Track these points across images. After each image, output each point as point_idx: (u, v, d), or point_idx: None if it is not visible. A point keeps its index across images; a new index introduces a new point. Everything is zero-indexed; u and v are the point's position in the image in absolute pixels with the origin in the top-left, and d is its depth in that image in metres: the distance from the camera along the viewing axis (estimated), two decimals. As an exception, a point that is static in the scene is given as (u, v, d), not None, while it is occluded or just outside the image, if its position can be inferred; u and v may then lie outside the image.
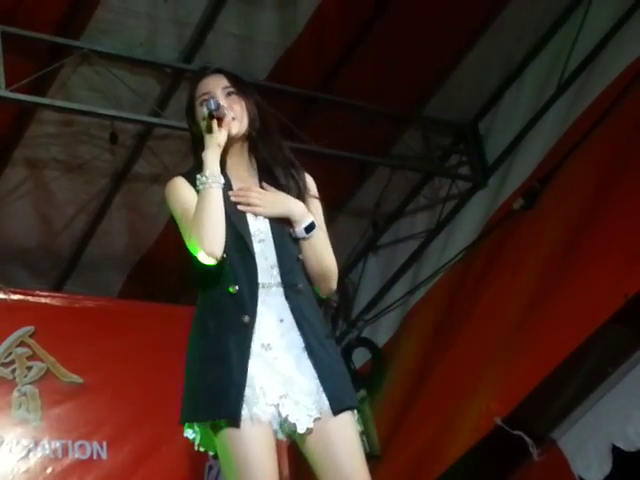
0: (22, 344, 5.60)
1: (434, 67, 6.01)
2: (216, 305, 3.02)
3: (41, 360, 5.61)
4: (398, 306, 6.66)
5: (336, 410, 2.94)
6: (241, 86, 3.26)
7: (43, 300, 5.80)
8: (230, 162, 3.17)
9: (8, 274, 6.07)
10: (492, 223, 6.17)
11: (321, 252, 3.15)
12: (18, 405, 5.47)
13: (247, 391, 2.89)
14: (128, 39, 5.31)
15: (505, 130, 6.31)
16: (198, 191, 3.03)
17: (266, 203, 3.11)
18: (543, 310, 5.35)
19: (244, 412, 2.87)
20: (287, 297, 3.03)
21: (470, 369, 5.63)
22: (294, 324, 3.01)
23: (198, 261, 3.01)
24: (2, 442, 5.35)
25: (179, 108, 5.52)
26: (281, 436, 2.97)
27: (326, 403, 2.94)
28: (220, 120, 3.08)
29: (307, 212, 3.13)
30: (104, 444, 5.58)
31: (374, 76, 5.89)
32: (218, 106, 3.07)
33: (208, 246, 2.96)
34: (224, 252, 2.99)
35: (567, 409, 5.28)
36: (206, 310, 3.06)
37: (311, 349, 2.99)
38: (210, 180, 3.02)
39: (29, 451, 5.38)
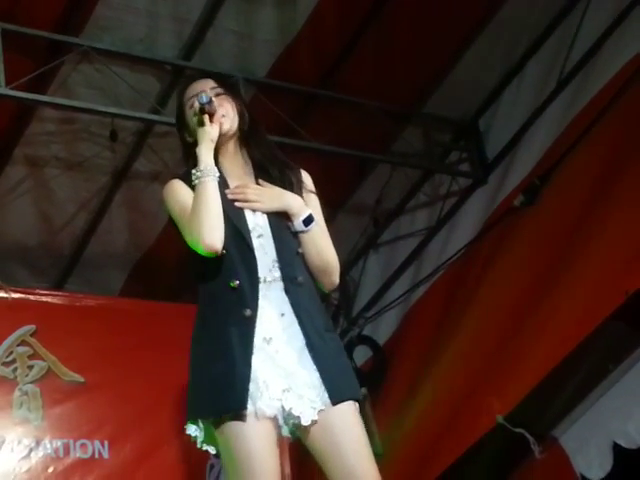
0: (23, 343, 5.59)
1: (434, 64, 6.01)
2: (217, 300, 3.05)
3: (42, 359, 5.59)
4: (399, 304, 6.66)
5: (336, 402, 2.96)
6: (229, 87, 3.33)
7: (44, 299, 5.79)
8: (225, 162, 3.22)
9: (9, 272, 6.05)
10: (492, 220, 6.17)
11: (321, 245, 3.17)
12: (19, 404, 5.46)
13: (251, 386, 2.91)
14: (128, 36, 5.30)
15: (505, 127, 6.31)
16: (194, 187, 3.06)
17: (263, 198, 3.14)
18: (544, 307, 5.34)
19: (249, 407, 2.89)
20: (287, 291, 3.06)
21: (471, 367, 5.62)
22: (295, 318, 3.03)
23: (198, 257, 3.03)
24: (3, 442, 5.34)
25: (179, 105, 5.53)
26: (286, 432, 2.98)
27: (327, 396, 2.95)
28: (211, 116, 3.14)
29: (305, 206, 3.17)
30: (105, 443, 5.57)
31: (374, 73, 5.89)
32: (210, 100, 3.13)
33: (208, 237, 2.99)
34: (224, 248, 3.01)
35: (568, 407, 5.28)
36: (208, 306, 3.08)
37: (311, 343, 3.01)
38: (205, 173, 3.07)
39: (30, 450, 5.37)
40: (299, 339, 3.02)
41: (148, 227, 6.22)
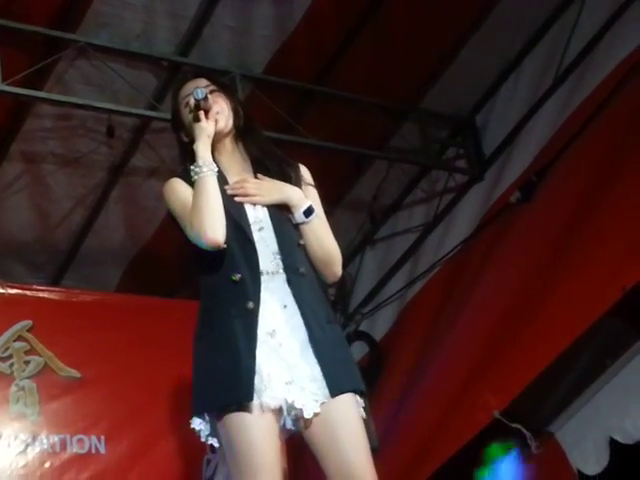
0: (20, 338, 5.59)
1: (431, 60, 6.01)
2: (220, 294, 3.06)
3: (39, 354, 5.60)
4: (395, 299, 6.66)
5: (335, 394, 2.97)
6: (222, 85, 3.35)
7: (41, 294, 5.79)
8: (223, 159, 3.24)
9: (5, 268, 6.07)
10: (489, 216, 6.17)
11: (322, 236, 3.19)
12: (16, 400, 5.46)
13: (255, 378, 2.92)
14: (124, 32, 5.30)
15: (502, 123, 6.31)
16: (193, 183, 3.07)
17: (263, 191, 3.16)
18: (540, 303, 5.34)
19: (255, 402, 2.90)
20: (289, 282, 3.07)
21: (468, 362, 5.62)
22: (297, 310, 3.04)
23: (200, 252, 3.05)
24: (0, 437, 5.35)
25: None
26: (290, 424, 2.99)
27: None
28: (207, 112, 3.16)
29: (304, 197, 3.19)
30: (102, 438, 5.57)
31: (371, 69, 5.90)
32: (205, 96, 3.14)
33: (210, 232, 3.01)
34: (225, 243, 3.03)
35: (565, 402, 5.27)
36: (210, 300, 3.10)
37: (312, 335, 3.03)
38: (204, 169, 3.08)
39: (27, 446, 5.37)
40: (301, 331, 3.03)
41: (145, 223, 6.23)
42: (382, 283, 6.83)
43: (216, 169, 3.11)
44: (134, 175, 5.98)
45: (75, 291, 6.00)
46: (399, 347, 6.39)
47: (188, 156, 3.18)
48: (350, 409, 3.01)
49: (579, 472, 5.18)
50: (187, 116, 3.21)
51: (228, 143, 3.26)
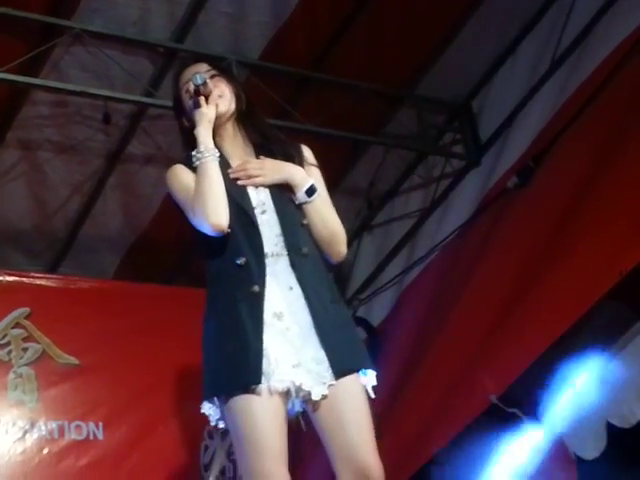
0: (17, 325, 5.60)
1: (427, 45, 5.99)
2: (225, 279, 3.09)
3: (37, 342, 5.61)
4: (393, 285, 6.66)
5: (339, 375, 2.99)
6: (223, 69, 3.37)
7: (38, 282, 5.80)
8: (225, 144, 3.25)
9: (2, 256, 6.06)
10: (486, 201, 6.16)
11: (326, 215, 3.20)
12: (14, 387, 5.48)
13: (263, 362, 2.94)
14: (120, 18, 5.28)
15: (499, 108, 6.29)
16: (195, 168, 3.08)
17: (265, 171, 3.17)
18: (538, 288, 5.34)
19: (262, 386, 2.92)
20: (293, 265, 3.08)
21: (465, 347, 5.63)
22: (301, 292, 3.06)
23: (204, 238, 3.06)
24: (-2, 424, 5.38)
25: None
26: (298, 406, 3.03)
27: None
28: (207, 97, 3.17)
29: (306, 176, 3.20)
30: (100, 425, 5.60)
31: (367, 55, 5.88)
32: (204, 81, 3.13)
33: (214, 216, 3.02)
34: (229, 227, 3.04)
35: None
36: (216, 285, 3.13)
37: (315, 317, 3.04)
38: (206, 154, 3.10)
39: (25, 432, 5.40)
40: (306, 313, 3.05)
41: (142, 210, 6.22)
42: (379, 269, 6.83)
43: (218, 154, 3.12)
44: (131, 162, 5.97)
45: (73, 278, 6.01)
46: (397, 333, 6.39)
47: (190, 142, 3.18)
48: (355, 391, 3.03)
49: (577, 457, 5.20)
50: (188, 102, 3.22)
51: (230, 127, 3.26)
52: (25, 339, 5.59)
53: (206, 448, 5.89)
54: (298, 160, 3.25)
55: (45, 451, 5.41)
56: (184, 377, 5.86)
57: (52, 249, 6.28)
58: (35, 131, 5.60)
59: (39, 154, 5.74)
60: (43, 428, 5.44)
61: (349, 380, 3.01)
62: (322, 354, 3.00)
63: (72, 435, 5.51)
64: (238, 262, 3.05)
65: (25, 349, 5.58)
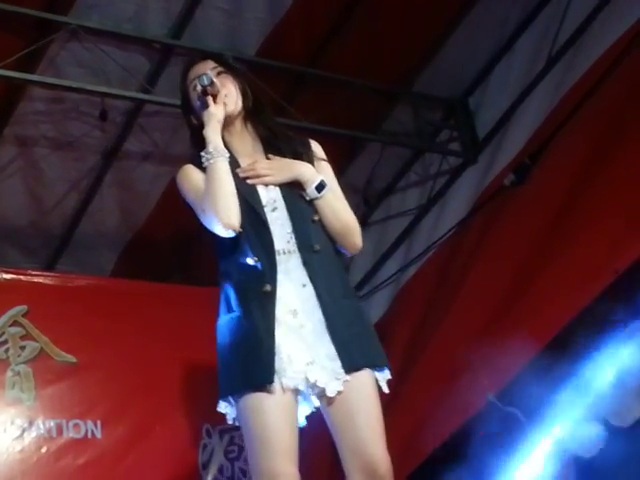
0: (15, 324, 5.57)
1: (424, 42, 5.99)
2: (237, 279, 3.09)
3: (34, 340, 5.58)
4: (390, 283, 6.66)
5: (349, 371, 2.98)
6: (230, 66, 3.32)
7: (36, 279, 5.77)
8: (233, 141, 3.24)
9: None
10: (483, 199, 6.17)
11: (337, 208, 3.19)
12: (12, 385, 5.45)
13: (275, 360, 2.94)
14: (116, 14, 5.27)
15: (495, 105, 6.30)
16: (205, 168, 3.06)
17: (274, 171, 3.16)
18: (534, 286, 5.36)
19: (275, 383, 2.92)
20: (305, 262, 3.07)
21: (462, 345, 5.62)
22: (313, 289, 3.05)
23: (216, 238, 3.07)
24: (-4, 422, 5.36)
25: (169, 84, 5.50)
26: (311, 403, 3.03)
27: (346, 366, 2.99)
28: (214, 97, 3.15)
29: (315, 172, 3.18)
30: (98, 423, 5.57)
31: (363, 51, 5.88)
32: (211, 81, 3.13)
33: (225, 217, 3.02)
34: (240, 227, 3.04)
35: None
36: (228, 285, 3.12)
37: (326, 313, 3.04)
38: (215, 154, 3.09)
39: (23, 431, 5.36)
40: (318, 310, 3.04)
41: (139, 207, 6.21)
42: (377, 266, 6.83)
43: (227, 154, 3.12)
44: (128, 159, 5.95)
45: (70, 276, 5.98)
46: (394, 331, 6.38)
47: (198, 140, 3.18)
48: (367, 387, 3.02)
49: (575, 455, 5.20)
50: (196, 100, 3.21)
51: (238, 125, 3.25)
52: (23, 337, 5.56)
53: (204, 447, 5.88)
54: (307, 156, 3.24)
55: (43, 450, 5.38)
56: (183, 375, 5.86)
57: (49, 246, 6.26)
58: (31, 127, 5.58)
59: (35, 150, 5.72)
60: (41, 426, 5.41)
61: (361, 375, 3.01)
62: (334, 350, 3.00)
63: (70, 433, 5.48)
64: (249, 261, 3.05)
65: (23, 347, 5.55)
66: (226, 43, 5.57)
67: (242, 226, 3.06)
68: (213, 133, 3.12)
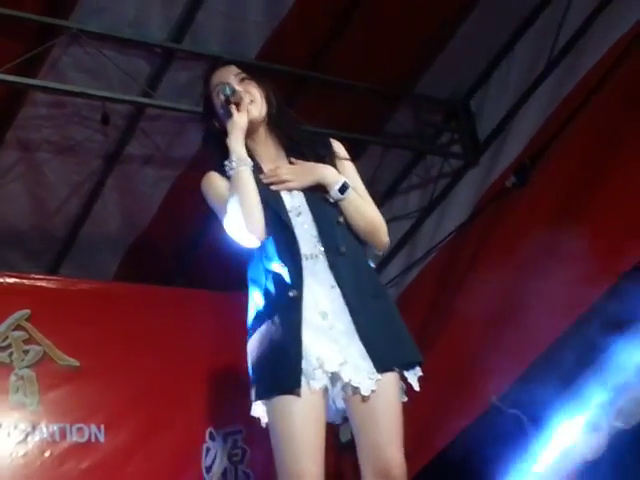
0: (18, 327, 5.57)
1: (424, 45, 5.98)
2: (264, 285, 3.11)
3: (38, 344, 5.58)
4: (393, 285, 6.66)
5: (381, 371, 3.02)
6: (253, 72, 3.33)
7: (39, 283, 5.76)
8: (257, 146, 3.25)
9: (2, 257, 6.04)
10: (484, 201, 6.18)
11: (363, 208, 3.22)
12: (15, 389, 5.45)
13: (303, 363, 2.97)
14: (117, 19, 5.26)
15: (496, 107, 6.31)
16: (229, 177, 3.10)
17: (297, 176, 3.18)
18: (537, 288, 5.36)
19: (302, 386, 2.95)
20: (331, 265, 3.09)
21: (465, 348, 5.64)
22: (340, 291, 3.07)
23: (241, 246, 3.08)
24: (0, 426, 5.34)
25: (170, 88, 5.52)
26: (341, 403, 3.06)
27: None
28: (238, 105, 3.15)
29: (337, 174, 3.20)
30: (102, 427, 5.58)
31: (364, 54, 5.87)
32: (233, 91, 3.14)
33: (250, 228, 3.06)
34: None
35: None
36: (255, 290, 3.15)
37: (354, 315, 3.06)
38: (238, 163, 3.10)
39: (27, 435, 5.37)
40: (347, 312, 3.06)
41: (141, 211, 6.22)
42: (379, 269, 6.77)
43: (251, 163, 3.12)
44: (129, 163, 5.95)
45: (73, 280, 5.98)
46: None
47: (219, 145, 3.19)
48: (391, 390, 3.05)
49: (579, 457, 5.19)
50: (220, 107, 3.20)
51: (261, 130, 3.25)
52: (26, 341, 5.56)
53: (208, 450, 5.88)
54: (329, 158, 3.25)
55: (47, 454, 5.38)
56: (186, 378, 5.86)
57: (52, 250, 6.27)
58: (33, 132, 5.58)
59: (38, 155, 5.72)
60: (45, 431, 5.42)
61: (387, 377, 3.03)
62: (365, 351, 3.02)
63: (74, 438, 5.48)
64: (275, 267, 3.08)
65: (26, 351, 5.55)
66: (227, 47, 5.58)
67: (268, 233, 3.08)
68: (236, 142, 3.13)
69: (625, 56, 5.33)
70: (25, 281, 5.73)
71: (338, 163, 3.26)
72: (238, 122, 3.14)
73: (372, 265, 3.26)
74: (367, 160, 6.52)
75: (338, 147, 3.34)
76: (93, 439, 5.54)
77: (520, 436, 5.29)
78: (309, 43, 5.81)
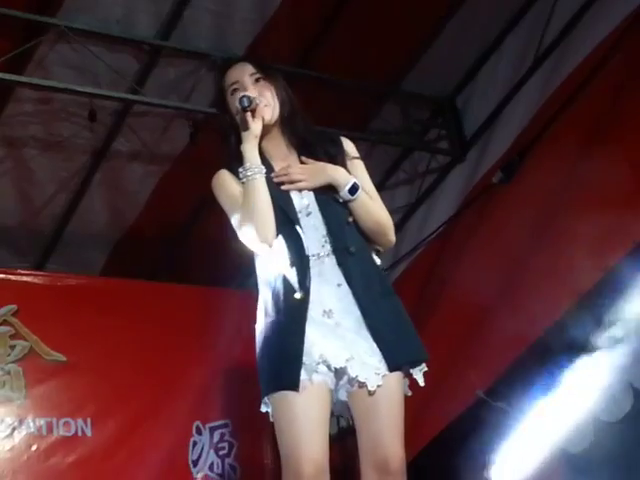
0: (5, 323, 5.61)
1: (411, 41, 6.00)
2: (271, 285, 3.13)
3: (24, 339, 5.61)
4: (380, 280, 6.66)
5: (392, 369, 3.04)
6: (267, 71, 3.33)
7: (25, 279, 5.80)
8: (268, 145, 3.26)
9: (-11, 253, 6.07)
10: (471, 197, 6.19)
11: (372, 209, 3.23)
12: (2, 384, 5.48)
13: (306, 359, 3.00)
14: (105, 16, 5.27)
15: (483, 104, 6.32)
16: (242, 183, 3.12)
17: (307, 176, 3.19)
18: (522, 283, 5.37)
19: (304, 379, 2.98)
20: (340, 263, 3.11)
21: (451, 342, 5.65)
22: (349, 289, 3.09)
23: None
24: (-13, 421, 5.38)
25: (157, 85, 5.52)
26: (344, 396, 3.08)
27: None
28: (253, 112, 3.16)
29: (347, 175, 3.21)
30: (88, 421, 5.62)
31: (352, 51, 5.88)
32: (250, 102, 3.12)
33: (261, 235, 3.08)
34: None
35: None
36: (263, 290, 3.17)
37: (365, 313, 3.07)
38: (252, 172, 3.12)
39: (14, 429, 5.41)
40: (356, 308, 3.07)
41: (128, 207, 6.23)
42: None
43: (264, 171, 3.13)
44: (116, 159, 5.96)
45: (60, 275, 6.01)
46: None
47: (233, 145, 3.21)
48: (396, 384, 3.07)
49: (564, 450, 5.21)
50: (234, 104, 3.19)
51: (274, 129, 3.26)
52: (12, 336, 5.59)
53: (195, 444, 5.91)
54: (340, 158, 3.26)
55: (34, 448, 5.42)
56: (172, 373, 5.89)
57: (38, 246, 6.29)
58: (20, 128, 5.59)
59: (24, 151, 5.73)
60: (31, 425, 5.46)
61: (393, 375, 3.05)
62: (375, 347, 3.04)
63: (60, 432, 5.52)
64: (283, 267, 3.10)
65: (12, 346, 5.58)
66: (214, 44, 5.58)
67: (277, 234, 3.10)
68: (250, 149, 3.15)
69: (612, 53, 5.34)
70: (12, 276, 5.76)
71: (348, 162, 3.27)
72: (253, 130, 3.15)
73: (378, 262, 3.28)
74: (355, 156, 6.54)
75: (348, 145, 3.35)
76: (80, 433, 5.58)
77: (506, 428, 5.31)
78: (297, 40, 5.81)
